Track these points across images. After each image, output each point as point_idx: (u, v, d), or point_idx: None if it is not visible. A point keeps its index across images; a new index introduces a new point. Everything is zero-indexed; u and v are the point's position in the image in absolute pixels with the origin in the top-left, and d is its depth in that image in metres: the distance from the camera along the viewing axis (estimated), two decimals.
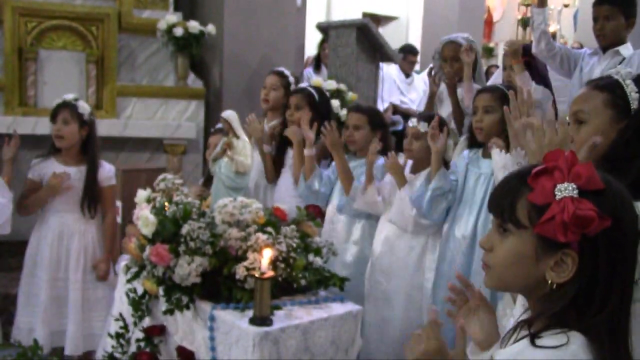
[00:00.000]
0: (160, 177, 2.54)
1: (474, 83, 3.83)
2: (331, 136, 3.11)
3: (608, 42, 3.54)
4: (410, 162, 3.06)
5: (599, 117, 1.62)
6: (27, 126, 4.56)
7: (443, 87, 4.00)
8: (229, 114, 2.49)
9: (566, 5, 11.52)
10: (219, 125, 3.45)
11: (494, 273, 1.19)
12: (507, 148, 2.48)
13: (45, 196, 3.27)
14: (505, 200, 1.15)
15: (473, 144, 2.91)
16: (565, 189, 1.08)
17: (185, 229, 2.19)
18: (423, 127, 2.90)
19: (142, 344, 2.37)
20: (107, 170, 3.41)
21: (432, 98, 4.08)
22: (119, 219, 3.75)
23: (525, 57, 3.52)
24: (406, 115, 6.36)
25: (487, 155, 2.78)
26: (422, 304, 2.92)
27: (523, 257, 1.13)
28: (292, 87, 3.79)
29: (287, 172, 3.50)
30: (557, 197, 1.07)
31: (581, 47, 8.80)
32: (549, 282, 1.10)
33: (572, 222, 1.05)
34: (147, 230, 2.26)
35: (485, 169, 2.75)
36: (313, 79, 5.08)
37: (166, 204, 2.35)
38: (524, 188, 1.13)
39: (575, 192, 1.07)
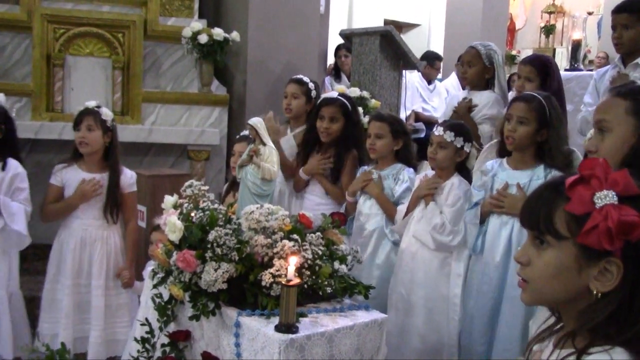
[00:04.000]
0: (187, 183, 2.55)
1: (492, 92, 3.81)
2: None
3: (626, 51, 3.49)
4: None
5: (622, 125, 1.59)
6: (54, 131, 4.64)
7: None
8: (256, 121, 2.50)
9: (590, 13, 11.43)
10: (245, 132, 3.46)
11: (533, 287, 1.18)
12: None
13: (75, 203, 3.31)
14: (540, 213, 1.14)
15: (503, 152, 2.87)
16: (605, 197, 1.07)
17: (212, 235, 2.20)
18: (449, 136, 2.89)
19: (168, 349, 2.38)
20: (129, 177, 3.44)
21: None
22: (143, 224, 3.78)
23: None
24: (428, 122, 6.36)
25: (516, 166, 2.75)
26: (448, 314, 2.91)
27: (564, 269, 1.12)
28: (313, 93, 3.80)
29: (315, 181, 3.52)
30: (598, 206, 1.07)
31: (607, 56, 8.75)
32: (594, 292, 1.09)
33: (617, 229, 1.04)
34: (175, 236, 2.27)
35: (515, 180, 2.71)
36: (336, 87, 5.09)
37: (193, 213, 2.36)
38: (559, 199, 1.12)
39: (615, 199, 1.07)
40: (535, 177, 2.68)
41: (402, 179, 3.19)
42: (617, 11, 3.49)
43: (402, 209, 3.07)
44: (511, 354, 2.63)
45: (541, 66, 3.45)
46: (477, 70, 3.77)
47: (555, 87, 3.44)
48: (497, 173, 2.79)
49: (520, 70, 3.55)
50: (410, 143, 3.28)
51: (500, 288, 2.70)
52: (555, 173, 2.63)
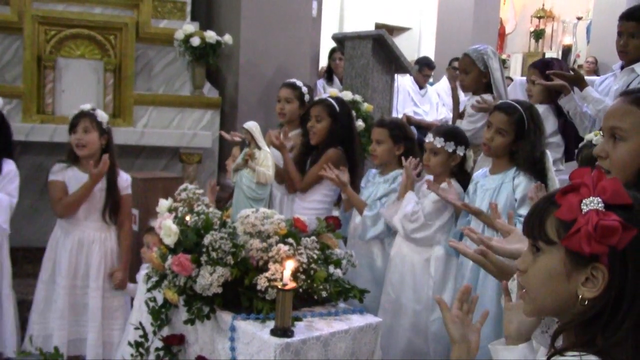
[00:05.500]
0: (182, 186, 2.56)
1: (488, 95, 3.82)
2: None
3: (630, 59, 3.45)
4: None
5: (639, 135, 1.55)
6: (45, 133, 4.60)
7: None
8: (251, 125, 2.50)
9: (579, 18, 11.53)
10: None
11: (529, 295, 1.20)
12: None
13: (92, 185, 3.24)
14: (535, 220, 1.17)
15: None
16: (591, 203, 1.09)
17: (207, 239, 2.20)
18: (439, 142, 2.91)
19: (161, 353, 2.38)
20: (124, 179, 3.44)
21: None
22: (135, 227, 3.77)
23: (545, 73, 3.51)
24: (419, 126, 6.38)
25: (492, 171, 2.83)
26: (428, 317, 2.93)
27: (554, 274, 1.14)
28: (306, 97, 3.80)
29: None
30: (584, 212, 1.09)
31: (596, 61, 8.81)
32: (580, 297, 1.11)
33: (596, 233, 1.06)
34: (170, 240, 2.27)
35: (489, 184, 2.78)
36: (329, 90, 5.09)
37: (188, 216, 2.36)
38: (552, 206, 1.15)
39: (601, 205, 1.09)
40: (506, 179, 2.74)
41: (393, 186, 3.19)
42: (625, 18, 3.41)
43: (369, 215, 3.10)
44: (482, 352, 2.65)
45: (544, 68, 3.50)
46: (474, 77, 3.78)
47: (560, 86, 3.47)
48: (479, 180, 2.85)
49: (527, 73, 3.60)
50: (413, 149, 3.24)
51: (474, 287, 2.73)
52: (521, 174, 2.70)
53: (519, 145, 2.72)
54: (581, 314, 1.11)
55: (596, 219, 1.07)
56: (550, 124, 3.53)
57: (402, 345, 2.97)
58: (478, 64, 3.75)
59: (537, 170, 2.71)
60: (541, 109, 3.50)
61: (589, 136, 3.00)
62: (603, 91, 3.55)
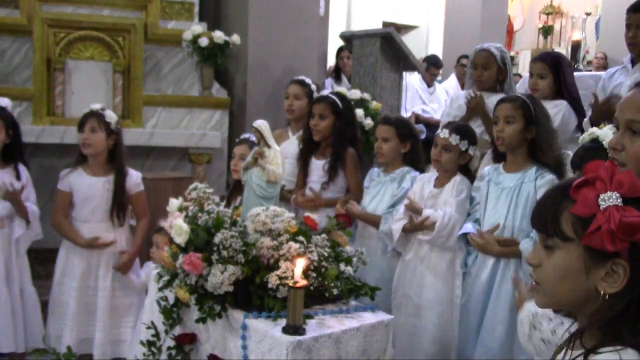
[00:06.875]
0: (192, 186, 2.56)
1: (504, 94, 3.78)
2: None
3: (639, 51, 3.43)
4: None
5: None
6: (55, 135, 4.64)
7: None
8: (260, 123, 2.50)
9: (588, 14, 11.46)
10: (245, 135, 3.46)
11: (545, 290, 1.18)
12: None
13: (80, 244, 3.32)
14: (547, 215, 1.14)
15: (498, 156, 2.89)
16: (609, 198, 1.07)
17: (218, 238, 2.20)
18: (454, 139, 2.89)
19: (173, 352, 2.38)
20: (135, 178, 3.44)
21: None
22: None
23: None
24: (427, 124, 6.37)
25: (509, 169, 2.77)
26: (453, 315, 2.91)
27: (572, 271, 1.11)
28: (315, 94, 3.79)
29: (311, 182, 3.51)
30: (602, 207, 1.07)
31: (605, 57, 8.76)
32: (601, 293, 1.09)
33: (619, 230, 1.04)
34: (181, 239, 2.27)
35: (506, 183, 2.72)
36: (337, 89, 5.10)
37: (198, 214, 2.37)
38: (566, 201, 1.12)
39: (619, 200, 1.06)
40: (526, 179, 2.68)
41: (403, 185, 3.17)
42: (633, 10, 3.37)
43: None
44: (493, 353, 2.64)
45: (552, 62, 3.41)
46: (494, 73, 3.64)
47: (570, 81, 3.41)
48: (492, 178, 2.80)
49: (532, 68, 3.50)
50: (418, 146, 3.22)
51: (489, 290, 2.73)
52: (546, 174, 2.63)
53: (533, 131, 2.67)
54: (606, 310, 1.08)
55: (618, 216, 1.04)
56: (573, 119, 3.47)
57: (427, 346, 2.92)
58: (498, 60, 3.64)
59: (557, 165, 2.67)
60: (563, 105, 3.44)
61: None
62: (616, 88, 3.49)
